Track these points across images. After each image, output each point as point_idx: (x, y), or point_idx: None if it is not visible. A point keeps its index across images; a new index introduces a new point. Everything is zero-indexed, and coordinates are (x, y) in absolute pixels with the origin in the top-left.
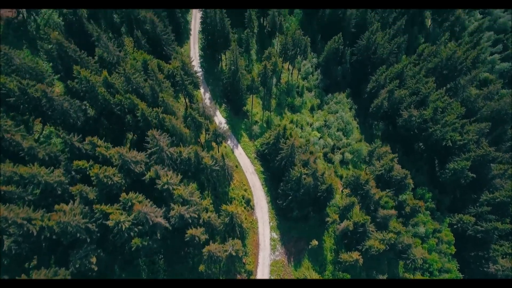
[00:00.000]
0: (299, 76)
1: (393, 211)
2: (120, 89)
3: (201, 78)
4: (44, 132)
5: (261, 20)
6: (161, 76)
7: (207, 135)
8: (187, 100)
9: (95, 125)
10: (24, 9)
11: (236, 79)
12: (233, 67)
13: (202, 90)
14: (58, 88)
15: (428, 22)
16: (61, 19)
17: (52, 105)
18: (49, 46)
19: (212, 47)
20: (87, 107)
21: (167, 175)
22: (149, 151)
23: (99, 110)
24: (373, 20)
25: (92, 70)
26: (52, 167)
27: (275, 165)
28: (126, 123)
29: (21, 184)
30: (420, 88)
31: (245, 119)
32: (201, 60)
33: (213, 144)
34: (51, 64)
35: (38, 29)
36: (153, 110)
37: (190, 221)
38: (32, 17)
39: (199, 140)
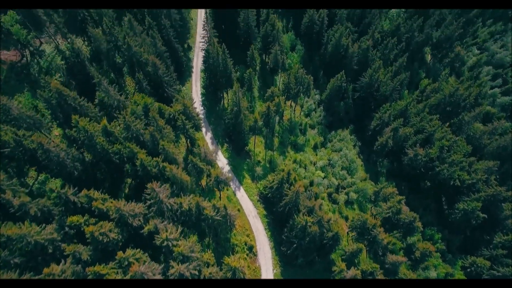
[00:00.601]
0: (302, 113)
1: (403, 258)
2: (119, 137)
3: (202, 117)
4: (39, 177)
5: (263, 57)
6: (161, 122)
7: (208, 180)
8: (188, 142)
9: (93, 170)
10: (28, 52)
11: (239, 120)
12: (235, 108)
13: (203, 129)
14: (57, 131)
15: (428, 57)
16: (63, 62)
17: (48, 156)
18: (49, 94)
19: (214, 86)
20: (85, 155)
21: (166, 230)
22: (148, 202)
23: (98, 158)
24: (375, 58)
25: (91, 117)
26: (44, 224)
27: (278, 210)
28: (125, 172)
29: (8, 246)
30: (425, 126)
31: (248, 159)
32: (203, 98)
33: (215, 188)
34: (50, 111)
35: (40, 71)
36: (152, 159)
37: (191, 278)
38: (35, 59)
39: (200, 183)
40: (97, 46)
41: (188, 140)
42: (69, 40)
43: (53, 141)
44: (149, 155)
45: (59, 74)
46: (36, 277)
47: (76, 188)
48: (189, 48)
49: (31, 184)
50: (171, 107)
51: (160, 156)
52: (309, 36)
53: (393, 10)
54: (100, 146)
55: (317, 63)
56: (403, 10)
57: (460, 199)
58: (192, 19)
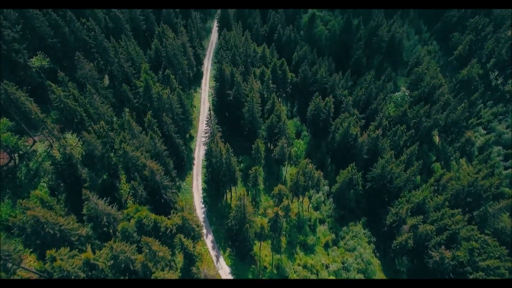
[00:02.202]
0: (310, 205)
1: None
2: (105, 269)
3: (203, 219)
4: None
5: (268, 144)
6: (156, 246)
7: None
8: (185, 259)
9: None
10: (17, 155)
11: (243, 229)
12: (240, 215)
13: (204, 231)
14: (32, 256)
15: (436, 139)
16: (52, 167)
17: None
18: (25, 219)
19: (216, 182)
20: None
21: None
22: None
23: None
24: (385, 146)
25: (73, 245)
26: None
27: None
28: None
29: None
30: (447, 223)
31: (253, 265)
32: (204, 194)
33: None
34: (23, 236)
35: (28, 174)
36: None
37: None
38: (24, 161)
39: None
40: (91, 150)
41: (186, 257)
42: (61, 141)
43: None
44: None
45: (47, 178)
46: None
47: None
48: (191, 138)
49: None
50: (168, 218)
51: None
52: (315, 123)
53: (397, 94)
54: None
55: (324, 149)
56: (407, 93)
57: None
58: (195, 107)
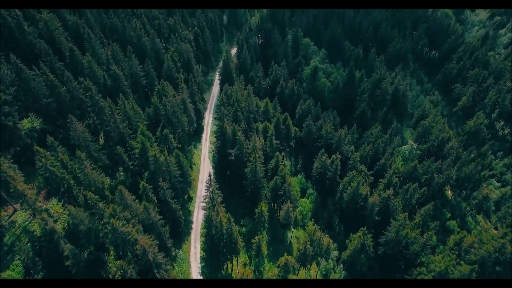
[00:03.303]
0: (319, 272)
1: None
2: None
3: None
4: None
5: (272, 204)
6: None
7: None
8: None
9: None
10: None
11: None
12: None
13: None
14: None
15: (449, 194)
16: (29, 245)
17: None
18: None
19: (216, 251)
20: None
21: None
22: None
23: None
24: (397, 207)
25: None
26: None
27: None
28: None
29: None
30: None
31: None
32: (202, 264)
33: None
34: None
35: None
36: None
37: None
38: None
39: None
40: (76, 224)
41: None
42: (43, 215)
43: None
44: None
45: (23, 255)
46: None
47: None
48: (190, 199)
49: None
50: None
51: None
52: (321, 181)
53: (405, 147)
54: None
55: (331, 208)
56: (415, 146)
57: None
58: (194, 164)
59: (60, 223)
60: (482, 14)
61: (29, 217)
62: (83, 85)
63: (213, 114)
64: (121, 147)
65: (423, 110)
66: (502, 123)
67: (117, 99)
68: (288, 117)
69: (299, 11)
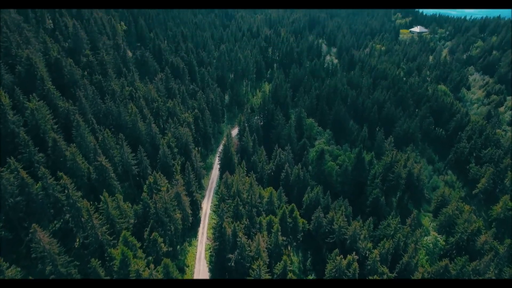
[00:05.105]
0: None
1: None
2: None
3: None
4: None
5: None
6: None
7: None
8: None
9: None
10: None
11: None
12: None
13: None
14: None
15: None
16: None
17: None
18: None
19: None
20: None
21: None
22: None
23: None
24: None
25: None
26: None
27: None
28: None
29: None
30: None
31: None
32: None
33: None
34: None
35: None
36: None
37: None
38: None
39: None
40: None
41: None
42: None
43: None
44: None
45: None
46: None
47: None
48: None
49: None
50: None
51: None
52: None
53: (428, 239)
54: None
55: None
56: (439, 239)
57: None
58: (188, 266)
59: None
60: (478, 92)
61: None
62: (61, 181)
63: (211, 202)
64: (96, 260)
65: (442, 196)
66: None
67: (100, 196)
68: (295, 208)
69: (301, 91)
